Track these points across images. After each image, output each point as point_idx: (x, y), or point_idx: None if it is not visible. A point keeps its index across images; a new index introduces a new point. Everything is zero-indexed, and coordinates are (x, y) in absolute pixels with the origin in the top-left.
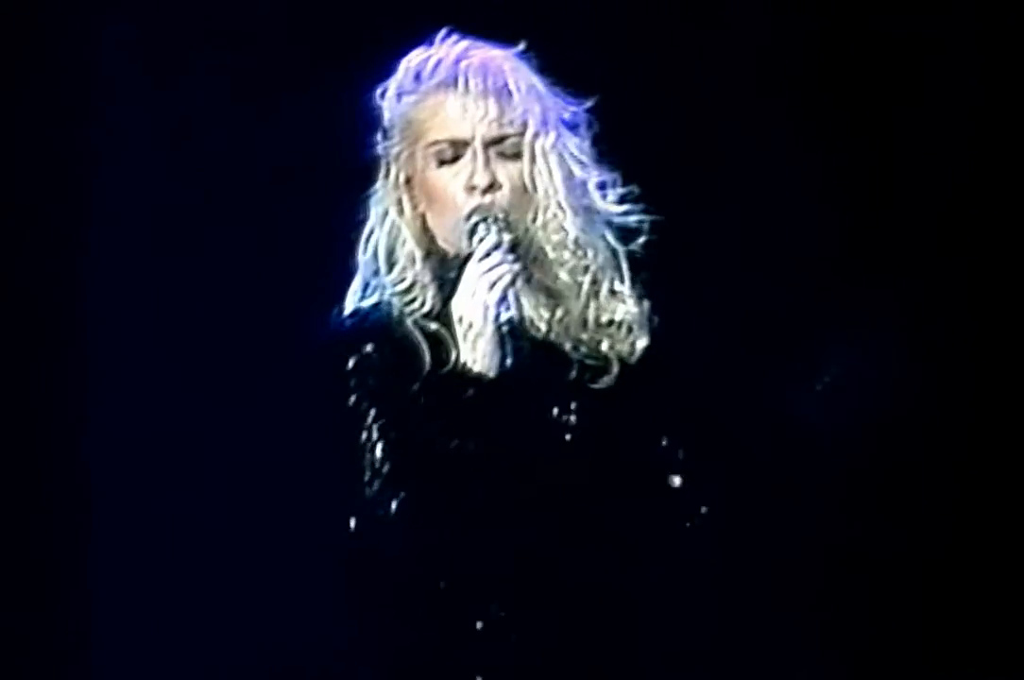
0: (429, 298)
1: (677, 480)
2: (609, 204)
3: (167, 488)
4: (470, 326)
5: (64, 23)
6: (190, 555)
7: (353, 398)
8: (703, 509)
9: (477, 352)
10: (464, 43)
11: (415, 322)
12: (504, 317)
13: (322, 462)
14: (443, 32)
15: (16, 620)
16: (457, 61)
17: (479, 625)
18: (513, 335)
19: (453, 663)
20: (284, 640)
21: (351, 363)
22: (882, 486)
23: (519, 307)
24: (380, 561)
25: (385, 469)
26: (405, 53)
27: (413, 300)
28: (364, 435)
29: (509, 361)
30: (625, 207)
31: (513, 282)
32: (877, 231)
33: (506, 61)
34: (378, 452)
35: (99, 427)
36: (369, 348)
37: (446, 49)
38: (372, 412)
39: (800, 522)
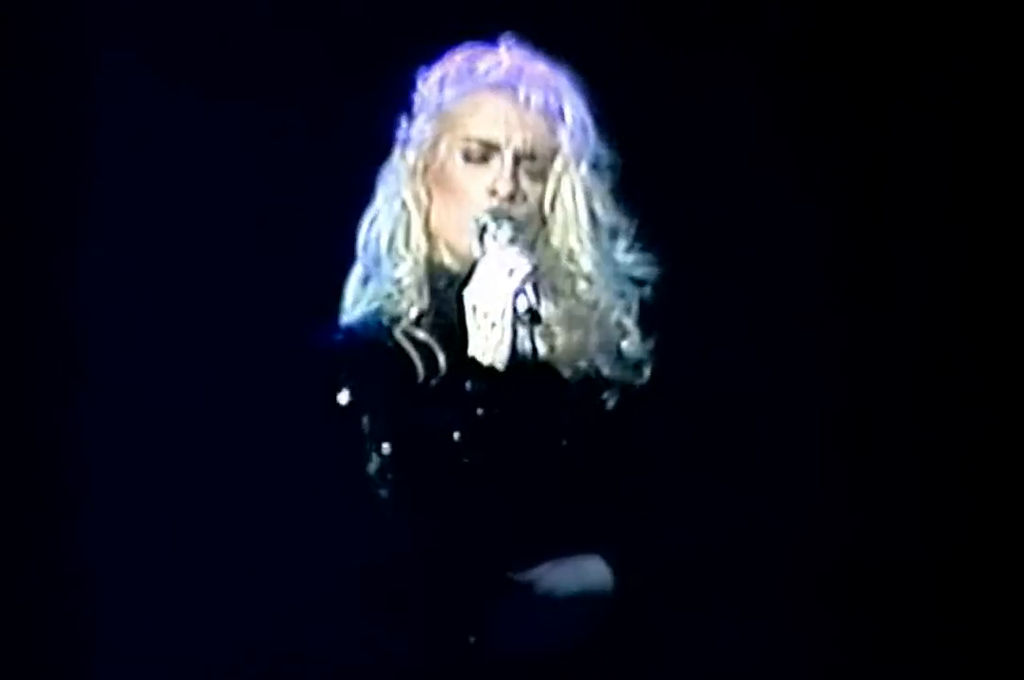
0: (420, 299)
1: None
2: (620, 251)
3: (155, 519)
4: (485, 315)
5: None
6: (184, 572)
7: (349, 409)
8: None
9: (489, 342)
10: (526, 52)
11: (403, 332)
12: (522, 307)
13: (322, 477)
14: (507, 36)
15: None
16: (520, 69)
17: (478, 621)
18: (531, 325)
19: (453, 661)
20: (288, 640)
21: (343, 380)
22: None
23: (537, 298)
24: (382, 566)
25: (389, 476)
26: (442, 42)
27: (403, 301)
28: (366, 446)
29: (521, 353)
30: (634, 257)
31: (532, 272)
32: (890, 277)
33: (565, 84)
34: (380, 463)
35: (78, 450)
36: (360, 364)
37: (508, 53)
38: (370, 423)
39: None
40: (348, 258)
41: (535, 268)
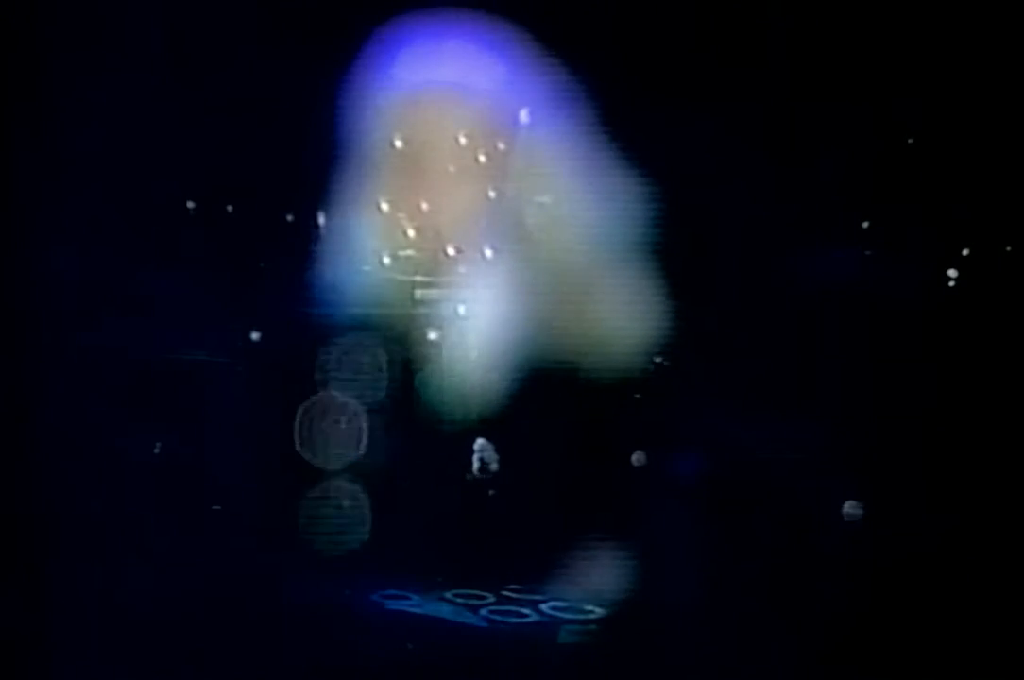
0: (410, 293)
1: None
2: (607, 195)
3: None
4: (476, 309)
5: None
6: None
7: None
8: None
9: (481, 328)
10: (465, 37)
11: (393, 327)
12: (514, 298)
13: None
14: (444, 24)
15: None
16: (458, 55)
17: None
18: (522, 319)
19: None
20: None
21: (329, 365)
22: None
23: (535, 289)
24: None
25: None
26: (405, 44)
27: (393, 292)
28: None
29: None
30: (621, 197)
31: (526, 264)
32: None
33: (506, 52)
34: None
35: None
36: (348, 348)
37: (448, 42)
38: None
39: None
40: (313, 259)
41: (529, 259)
